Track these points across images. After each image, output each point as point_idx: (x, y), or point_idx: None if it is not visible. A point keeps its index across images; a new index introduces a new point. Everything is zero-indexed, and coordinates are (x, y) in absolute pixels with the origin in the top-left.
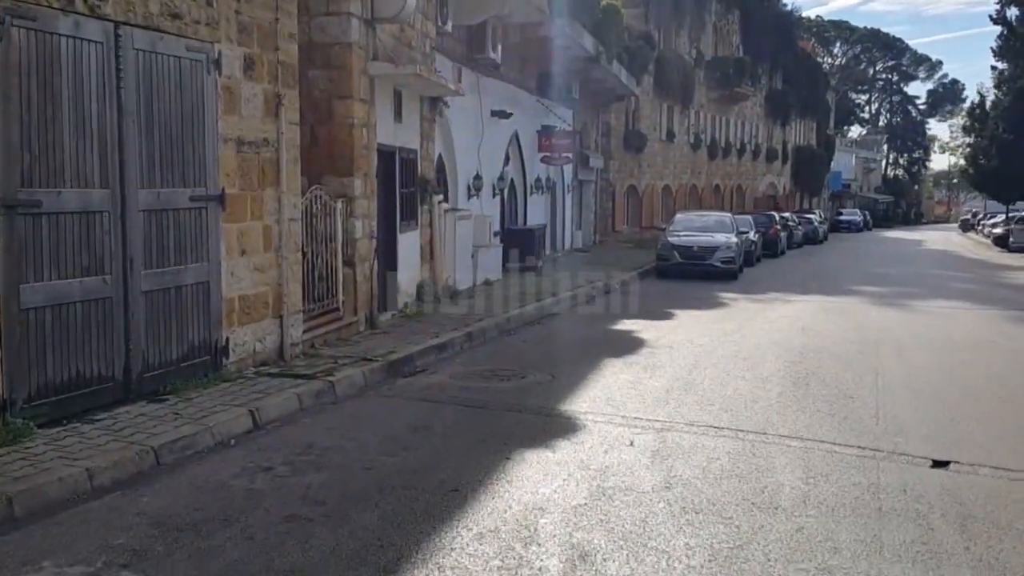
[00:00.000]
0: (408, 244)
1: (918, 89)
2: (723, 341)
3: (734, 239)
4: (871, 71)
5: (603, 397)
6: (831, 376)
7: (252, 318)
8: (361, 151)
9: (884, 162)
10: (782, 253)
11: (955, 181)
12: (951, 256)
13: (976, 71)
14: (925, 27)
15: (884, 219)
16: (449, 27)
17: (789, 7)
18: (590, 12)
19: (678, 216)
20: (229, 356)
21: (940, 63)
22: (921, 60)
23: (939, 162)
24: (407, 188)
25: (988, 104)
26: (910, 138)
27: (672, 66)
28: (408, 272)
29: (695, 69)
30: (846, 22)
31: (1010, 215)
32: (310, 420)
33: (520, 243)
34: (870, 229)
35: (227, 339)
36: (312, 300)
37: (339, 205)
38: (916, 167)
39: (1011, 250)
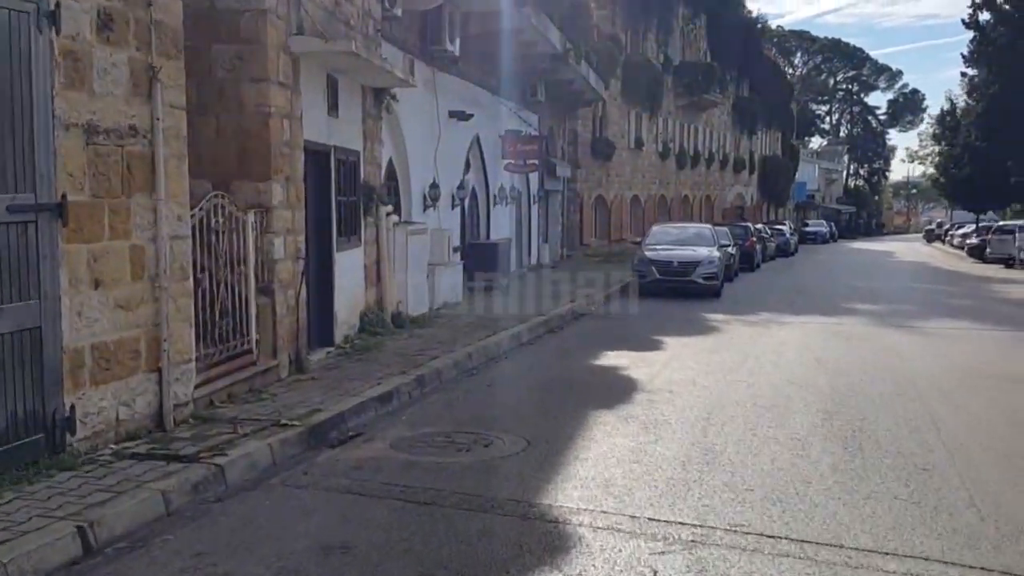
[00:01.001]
0: (348, 265)
1: (878, 99)
2: (731, 381)
3: (716, 253)
4: (832, 81)
5: (599, 479)
6: (884, 434)
7: (114, 374)
8: (281, 149)
9: (845, 173)
10: (758, 266)
11: (914, 191)
12: (929, 269)
13: (932, 82)
14: (879, 39)
15: (847, 230)
16: (399, 11)
17: (755, 15)
18: (557, 5)
19: (655, 228)
20: (76, 431)
21: (900, 73)
22: (882, 70)
23: (898, 172)
24: (346, 196)
25: (958, 112)
26: (870, 148)
27: (640, 70)
28: (348, 299)
29: (663, 75)
30: (807, 32)
31: (980, 225)
32: (176, 536)
33: (483, 260)
34: (835, 240)
35: (72, 407)
36: (212, 342)
37: (251, 218)
38: (876, 177)
39: (987, 261)
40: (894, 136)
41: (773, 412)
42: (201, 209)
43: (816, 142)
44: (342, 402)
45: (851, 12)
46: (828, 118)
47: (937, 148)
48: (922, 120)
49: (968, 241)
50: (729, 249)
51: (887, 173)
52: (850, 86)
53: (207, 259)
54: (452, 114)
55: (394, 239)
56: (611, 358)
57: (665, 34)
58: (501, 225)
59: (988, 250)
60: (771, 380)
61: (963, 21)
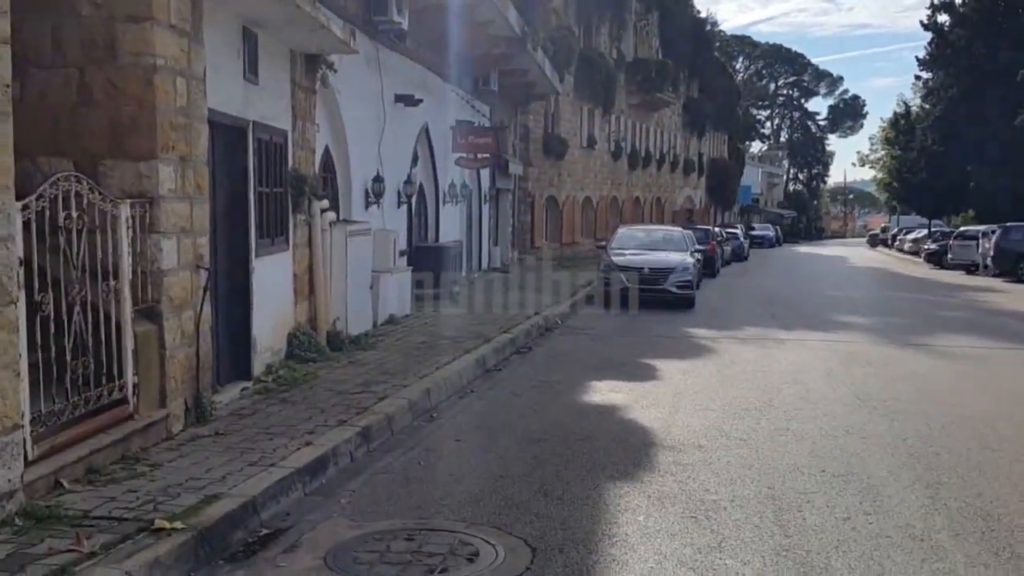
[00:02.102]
0: (272, 274)
1: (819, 105)
2: (771, 431)
3: (690, 259)
4: (772, 87)
5: None
6: (1019, 518)
7: None
8: (174, 118)
9: (785, 177)
10: (718, 272)
11: (851, 196)
12: (892, 275)
13: (864, 90)
14: (811, 48)
15: (790, 234)
16: None
17: (704, 15)
18: None
19: (621, 231)
20: None
21: (841, 79)
22: (822, 76)
23: (836, 177)
24: (270, 187)
25: (912, 115)
26: (810, 153)
27: (594, 65)
28: (272, 317)
29: (616, 71)
30: (748, 37)
31: (937, 231)
32: None
33: (432, 265)
34: (781, 244)
35: None
36: (63, 393)
37: (124, 212)
38: (815, 182)
39: (945, 267)
40: (833, 142)
41: (855, 485)
42: (41, 198)
43: (756, 146)
44: (254, 479)
45: (784, 21)
46: (769, 123)
47: (890, 152)
48: (862, 126)
49: (926, 247)
50: (698, 255)
51: (826, 178)
52: (791, 92)
53: (56, 270)
54: (399, 98)
55: (331, 241)
56: (604, 392)
57: (619, 28)
58: (451, 226)
59: (949, 256)
60: (820, 428)
61: (921, 23)
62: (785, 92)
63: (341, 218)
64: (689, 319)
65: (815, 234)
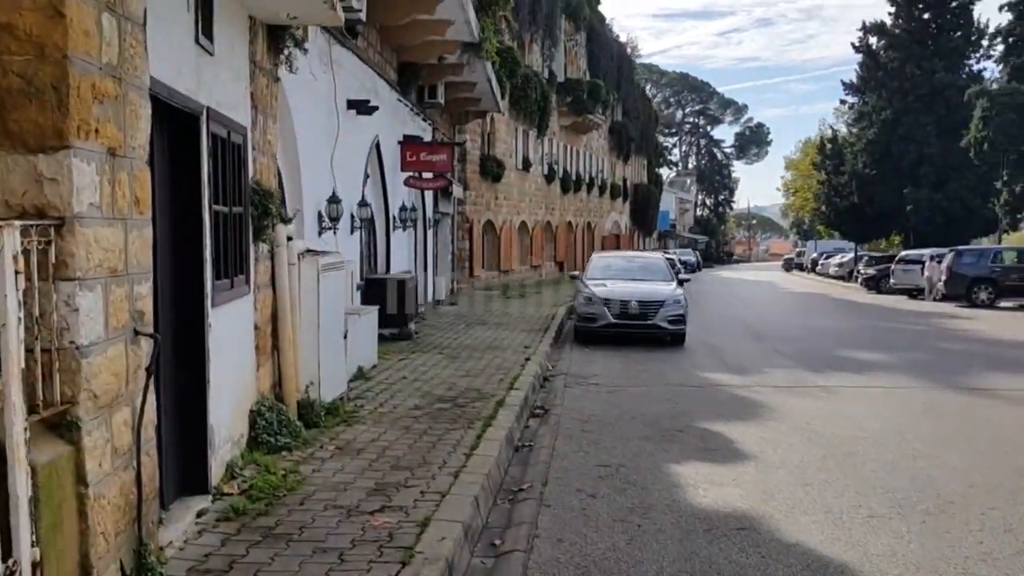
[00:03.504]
0: (233, 329)
1: (724, 132)
2: (1010, 551)
3: (679, 290)
4: (680, 114)
5: None
6: None
7: None
8: (98, 79)
9: (694, 203)
10: None
11: (754, 221)
12: (842, 301)
13: (761, 119)
14: (705, 80)
15: (704, 258)
16: None
17: (624, 39)
18: None
19: (595, 259)
20: None
21: (745, 107)
22: (728, 104)
23: (739, 202)
24: (228, 206)
25: (840, 140)
26: (717, 179)
27: (531, 84)
28: (233, 391)
29: (550, 90)
30: (656, 66)
31: (861, 254)
32: None
33: (388, 301)
34: (701, 269)
35: None
36: None
37: (11, 243)
38: (722, 208)
39: (883, 292)
40: (739, 168)
41: None
42: None
43: (666, 173)
44: None
45: (677, 54)
46: (677, 149)
47: (817, 177)
48: (767, 153)
49: (863, 271)
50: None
51: (732, 203)
52: (697, 119)
53: None
54: (352, 104)
55: (300, 279)
56: (703, 487)
57: (551, 47)
58: (401, 255)
59: (892, 281)
60: None
61: (853, 45)
62: (692, 120)
63: (308, 247)
64: (693, 360)
65: (725, 258)
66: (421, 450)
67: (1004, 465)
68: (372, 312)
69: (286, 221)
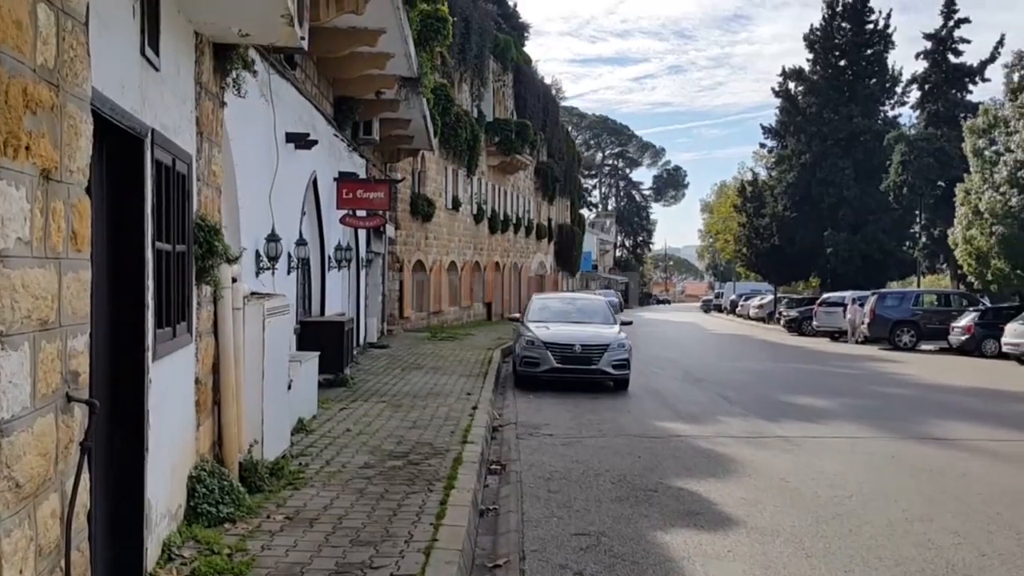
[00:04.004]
0: (174, 384)
1: (643, 175)
2: None
3: (623, 334)
4: (600, 156)
5: None
6: None
7: None
8: (31, 83)
9: (614, 244)
10: None
11: (671, 263)
12: (767, 344)
13: (675, 163)
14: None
15: (624, 299)
16: None
17: (549, 81)
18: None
19: (536, 301)
20: None
21: (664, 150)
22: (646, 147)
23: (657, 243)
24: (171, 243)
25: (760, 183)
26: (635, 221)
27: (461, 122)
28: (171, 456)
29: (479, 130)
30: (576, 108)
31: (781, 296)
32: None
33: (326, 345)
34: (623, 310)
35: None
36: None
37: None
38: (640, 249)
39: (805, 334)
40: (657, 210)
41: None
42: None
43: (585, 214)
44: None
45: (593, 98)
46: (596, 191)
47: (738, 220)
48: (684, 195)
49: (785, 313)
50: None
51: (651, 245)
52: (616, 162)
53: None
54: (291, 138)
55: (245, 325)
56: (698, 560)
57: (480, 86)
58: (336, 296)
59: (815, 323)
60: None
61: (773, 90)
62: (611, 162)
63: (251, 290)
64: (641, 407)
65: (644, 299)
66: (382, 519)
67: (1004, 528)
68: (313, 359)
69: (231, 261)
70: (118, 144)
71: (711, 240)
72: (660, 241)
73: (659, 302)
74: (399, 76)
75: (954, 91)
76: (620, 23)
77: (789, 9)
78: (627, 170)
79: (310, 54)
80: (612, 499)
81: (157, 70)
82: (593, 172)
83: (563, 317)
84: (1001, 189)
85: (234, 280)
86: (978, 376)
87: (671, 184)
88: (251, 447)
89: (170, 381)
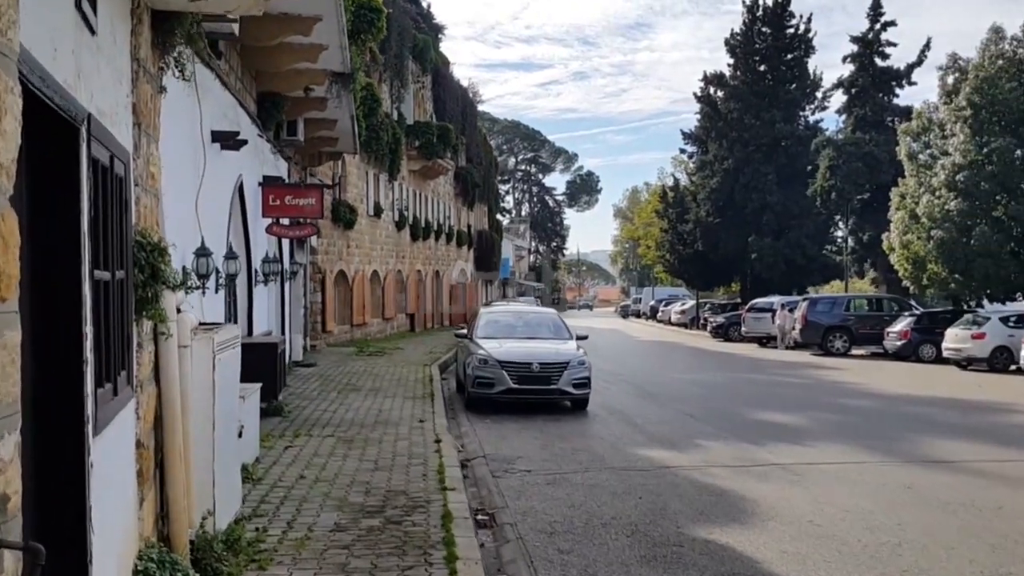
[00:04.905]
0: (115, 454)
1: (556, 180)
2: None
3: (581, 350)
4: (512, 161)
5: None
6: None
7: None
8: None
9: (528, 249)
10: None
11: (584, 268)
12: (699, 351)
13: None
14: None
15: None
16: None
17: (467, 84)
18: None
19: (484, 314)
20: None
21: (576, 156)
22: (559, 153)
23: (571, 248)
24: (109, 268)
25: (682, 188)
26: (549, 227)
27: (383, 125)
28: (114, 545)
29: (400, 133)
30: (488, 113)
31: (719, 303)
32: None
33: (259, 370)
34: None
35: None
36: None
37: None
38: (555, 254)
39: (732, 340)
40: (570, 215)
41: None
42: None
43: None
44: None
45: (500, 103)
46: (510, 196)
47: (660, 225)
48: (597, 201)
49: (712, 319)
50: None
51: (564, 250)
52: (529, 167)
53: None
54: (217, 137)
55: (193, 367)
56: None
57: (400, 87)
58: (263, 313)
59: (743, 329)
60: None
61: (695, 95)
62: (524, 167)
63: (198, 320)
64: (608, 429)
65: (558, 304)
66: None
67: None
68: (255, 392)
69: (176, 287)
70: (46, 134)
71: (627, 245)
72: (573, 246)
73: (581, 307)
74: (330, 72)
75: (881, 95)
76: (525, 29)
77: (688, 18)
78: (540, 175)
79: (236, 41)
80: (639, 560)
81: (94, 33)
82: (506, 177)
83: (515, 332)
84: (938, 193)
85: (179, 310)
86: (926, 383)
87: (584, 189)
88: (203, 520)
89: (112, 454)
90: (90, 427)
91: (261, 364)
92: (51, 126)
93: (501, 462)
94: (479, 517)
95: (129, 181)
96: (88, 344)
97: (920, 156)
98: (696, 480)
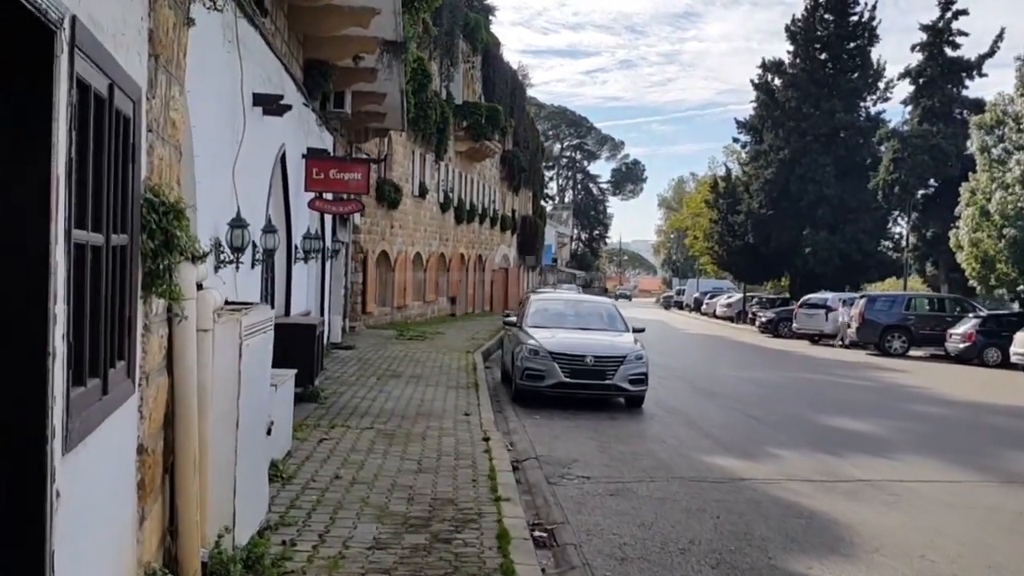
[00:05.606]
0: (100, 471)
1: (600, 168)
2: None
3: (638, 344)
4: (558, 148)
5: None
6: None
7: None
8: None
9: (571, 237)
10: None
11: (625, 258)
12: (748, 347)
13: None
14: None
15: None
16: None
17: (516, 67)
18: None
19: (535, 301)
20: None
21: (622, 144)
22: (605, 140)
23: (613, 238)
24: (102, 230)
25: (734, 178)
26: (592, 215)
27: (432, 104)
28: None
29: (449, 113)
30: (535, 98)
31: (768, 297)
32: None
33: (294, 353)
34: None
35: None
36: None
37: None
38: (596, 243)
39: (781, 336)
40: (614, 203)
41: None
42: None
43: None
44: None
45: (544, 90)
46: (554, 183)
47: (709, 216)
48: (642, 190)
49: (762, 315)
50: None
51: (607, 239)
52: (574, 154)
53: None
54: (259, 100)
55: (215, 355)
56: None
57: (450, 66)
58: (302, 292)
59: (795, 325)
60: None
61: (752, 82)
62: (569, 154)
63: (222, 299)
64: (669, 431)
65: (600, 294)
66: None
67: None
68: (289, 380)
69: (197, 258)
70: (12, 41)
71: (672, 236)
72: (615, 235)
73: (619, 296)
74: (381, 39)
75: (950, 86)
76: (572, 15)
77: (739, 8)
78: (585, 163)
79: (280, 2)
80: None
81: None
82: (551, 164)
83: (567, 322)
84: (1012, 189)
85: (200, 287)
86: (1000, 391)
87: (629, 178)
88: (220, 537)
89: (97, 470)
90: (57, 443)
91: (298, 347)
92: (15, 26)
93: (556, 466)
94: (537, 534)
95: (139, 123)
96: (57, 329)
97: (993, 150)
98: (778, 497)
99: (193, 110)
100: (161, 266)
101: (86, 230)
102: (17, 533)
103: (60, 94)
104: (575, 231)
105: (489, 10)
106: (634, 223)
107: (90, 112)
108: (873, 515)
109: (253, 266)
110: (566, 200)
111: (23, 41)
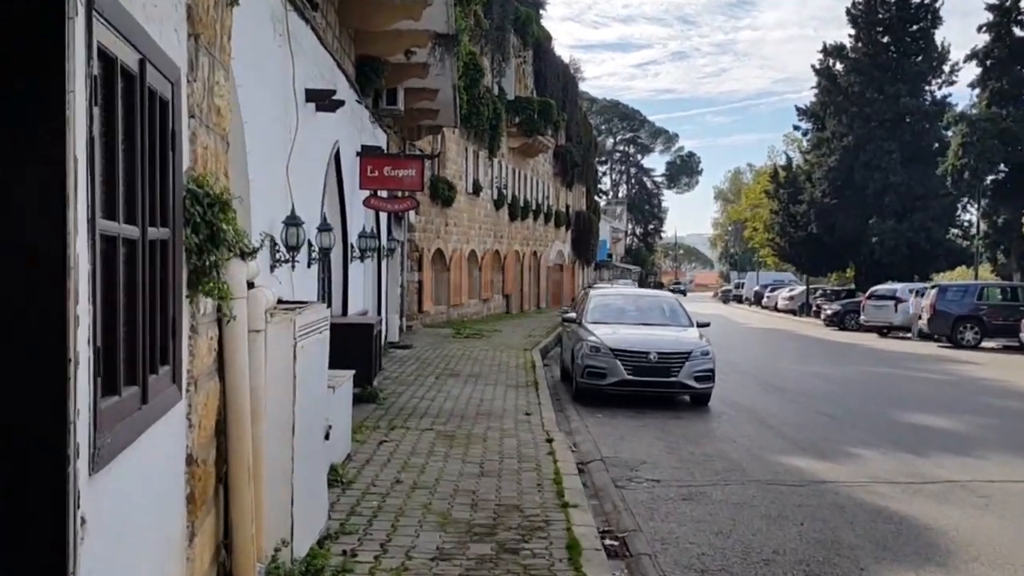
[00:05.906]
0: (140, 490)
1: (654, 161)
2: None
3: (704, 340)
4: (611, 142)
5: None
6: None
7: None
8: None
9: (625, 232)
10: None
11: (681, 252)
12: (814, 340)
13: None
14: None
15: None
16: None
17: (568, 61)
18: None
19: (595, 295)
20: None
21: (676, 136)
22: (659, 133)
23: (668, 232)
24: (136, 222)
25: (795, 167)
26: (646, 209)
27: (484, 100)
28: None
29: (501, 109)
30: (586, 93)
31: (832, 290)
32: None
33: (352, 353)
34: None
35: None
36: None
37: None
38: (651, 238)
39: (848, 329)
40: (669, 197)
41: None
42: None
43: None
44: None
45: (596, 84)
46: (607, 178)
47: (770, 207)
48: (697, 183)
49: (827, 307)
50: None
51: (661, 233)
52: (627, 148)
53: None
54: (312, 96)
55: (268, 357)
56: None
57: (502, 61)
58: (359, 291)
59: (862, 317)
60: None
61: (813, 67)
62: (622, 148)
63: (276, 299)
64: (739, 429)
65: (656, 288)
66: None
67: None
68: (347, 381)
69: (247, 255)
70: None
71: (729, 228)
72: (670, 229)
73: (673, 291)
74: (433, 33)
75: (1019, 67)
76: (623, 8)
77: None
78: (638, 156)
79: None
80: None
81: None
82: (604, 158)
83: (630, 317)
84: None
85: (251, 285)
86: None
87: (684, 171)
88: (277, 551)
89: (133, 488)
90: (82, 462)
91: (356, 347)
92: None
93: (623, 468)
94: (608, 542)
95: (179, 107)
96: (81, 333)
97: None
98: (862, 501)
99: (245, 105)
100: (207, 262)
101: (117, 221)
102: (40, 566)
103: (76, 63)
104: (629, 226)
105: (540, 4)
106: (690, 216)
107: (116, 88)
108: (965, 519)
109: (309, 265)
110: (620, 195)
111: (33, 2)
